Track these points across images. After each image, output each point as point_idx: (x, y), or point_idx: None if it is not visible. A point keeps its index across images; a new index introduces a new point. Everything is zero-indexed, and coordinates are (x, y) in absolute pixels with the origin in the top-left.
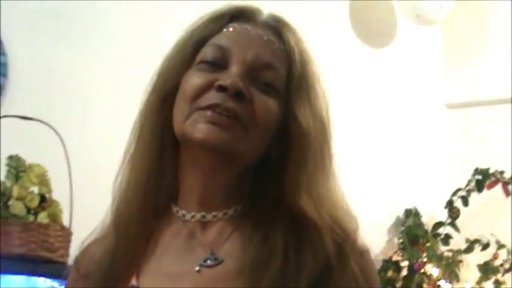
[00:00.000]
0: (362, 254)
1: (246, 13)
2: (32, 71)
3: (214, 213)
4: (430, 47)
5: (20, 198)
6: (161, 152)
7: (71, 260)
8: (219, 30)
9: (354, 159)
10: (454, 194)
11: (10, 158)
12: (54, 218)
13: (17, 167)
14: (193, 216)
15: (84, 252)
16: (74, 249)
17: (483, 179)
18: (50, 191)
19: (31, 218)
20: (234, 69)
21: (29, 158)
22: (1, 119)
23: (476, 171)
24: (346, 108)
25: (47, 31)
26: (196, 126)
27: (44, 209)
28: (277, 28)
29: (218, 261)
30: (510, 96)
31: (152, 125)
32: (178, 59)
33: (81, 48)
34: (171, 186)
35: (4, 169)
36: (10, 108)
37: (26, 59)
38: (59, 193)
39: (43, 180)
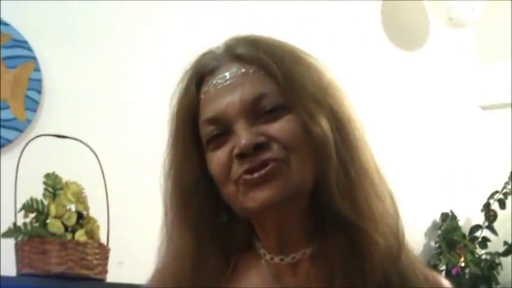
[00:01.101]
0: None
1: (204, 67)
2: (67, 88)
3: (293, 255)
4: (463, 49)
5: (57, 217)
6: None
7: (108, 277)
8: (196, 101)
9: (389, 163)
10: (491, 196)
11: (47, 176)
12: (92, 235)
13: (54, 185)
14: (272, 258)
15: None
16: (111, 265)
17: None
18: (87, 209)
19: (69, 236)
20: (237, 127)
21: (65, 176)
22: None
23: None
24: (380, 112)
25: (82, 47)
26: (247, 197)
27: (81, 226)
28: (238, 55)
29: None
30: None
31: (204, 208)
32: (185, 157)
33: (116, 64)
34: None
35: (41, 187)
36: (46, 124)
37: (60, 75)
38: (95, 210)
39: (80, 198)
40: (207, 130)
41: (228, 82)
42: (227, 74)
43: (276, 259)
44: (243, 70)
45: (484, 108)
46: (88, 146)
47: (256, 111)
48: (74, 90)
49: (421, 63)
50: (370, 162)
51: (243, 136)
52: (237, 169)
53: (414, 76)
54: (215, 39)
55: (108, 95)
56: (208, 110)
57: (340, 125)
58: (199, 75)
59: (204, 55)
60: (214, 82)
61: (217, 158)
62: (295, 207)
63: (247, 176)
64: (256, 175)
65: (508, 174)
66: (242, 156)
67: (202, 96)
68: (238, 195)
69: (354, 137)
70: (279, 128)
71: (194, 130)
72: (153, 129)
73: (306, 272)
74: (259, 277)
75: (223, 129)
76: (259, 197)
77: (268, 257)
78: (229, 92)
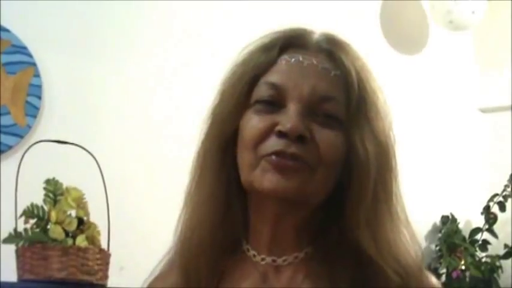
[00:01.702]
0: None
1: (296, 39)
2: (67, 94)
3: (284, 257)
4: (463, 52)
5: (58, 222)
6: (227, 196)
7: (109, 282)
8: (271, 62)
9: None
10: (491, 199)
11: (47, 182)
12: (93, 240)
13: (55, 191)
14: (263, 259)
15: None
16: (112, 270)
17: None
18: (87, 214)
19: (70, 241)
20: (292, 108)
21: (65, 182)
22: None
23: None
24: None
25: (82, 53)
26: (265, 176)
27: (82, 232)
28: (331, 51)
29: None
30: None
31: (216, 172)
32: (232, 101)
33: (116, 70)
34: (241, 225)
35: (42, 193)
36: (46, 130)
37: (60, 81)
38: (96, 215)
39: (80, 204)
40: (264, 90)
41: (310, 67)
42: (314, 60)
43: (268, 259)
44: (327, 67)
45: (483, 111)
46: (88, 152)
47: (316, 109)
48: (74, 96)
49: (420, 66)
50: (400, 204)
51: (294, 119)
52: (270, 145)
53: (414, 79)
54: (218, 45)
55: (109, 100)
56: (278, 76)
57: (385, 161)
58: (287, 43)
59: (299, 30)
60: (299, 58)
61: (256, 122)
62: (298, 212)
63: (277, 158)
64: (283, 161)
65: (508, 177)
66: (282, 134)
67: (279, 61)
68: (257, 169)
69: (391, 177)
70: (326, 137)
71: (250, 86)
72: (153, 135)
73: (292, 276)
74: (247, 279)
75: (278, 100)
76: (277, 181)
77: (258, 258)
78: (306, 75)
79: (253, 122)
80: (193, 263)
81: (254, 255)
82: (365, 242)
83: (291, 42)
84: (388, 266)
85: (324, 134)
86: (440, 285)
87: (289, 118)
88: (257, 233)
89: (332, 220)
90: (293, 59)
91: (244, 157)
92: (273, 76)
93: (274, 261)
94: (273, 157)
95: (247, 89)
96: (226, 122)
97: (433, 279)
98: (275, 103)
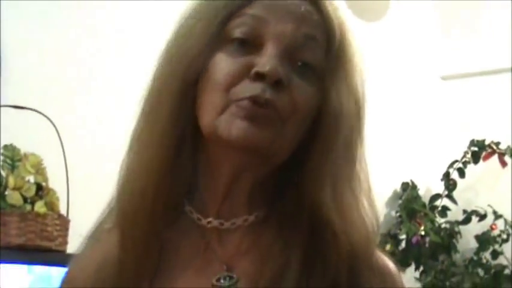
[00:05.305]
0: (383, 275)
1: None
2: (25, 59)
3: (233, 220)
4: (424, 19)
5: (16, 188)
6: (180, 144)
7: (69, 248)
8: (248, 1)
9: None
10: (451, 166)
11: (5, 147)
12: (52, 206)
13: (12, 157)
14: (209, 223)
15: (77, 270)
16: (72, 237)
17: (479, 151)
18: (46, 180)
19: (28, 207)
20: (270, 48)
21: (24, 148)
22: None
23: (472, 142)
24: None
25: (39, 17)
26: (233, 123)
27: (40, 198)
28: (317, 1)
29: (232, 282)
30: (505, 67)
31: (173, 113)
32: (203, 38)
33: (75, 34)
34: (186, 184)
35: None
36: (4, 95)
37: (18, 46)
38: (55, 182)
39: (39, 169)
40: (239, 25)
41: (293, 6)
42: (296, 1)
43: (215, 223)
44: (310, 9)
45: (444, 78)
46: (47, 117)
47: (295, 55)
48: (33, 61)
49: (381, 33)
50: (364, 171)
51: (274, 62)
52: (244, 89)
53: (375, 47)
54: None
55: (67, 65)
56: (257, 9)
57: (356, 122)
58: None
59: None
60: None
61: (230, 63)
62: (259, 169)
63: (250, 104)
64: (257, 110)
65: (467, 144)
66: (259, 77)
67: None
68: (225, 113)
69: (358, 141)
70: (302, 88)
71: (222, 24)
72: (113, 99)
73: (238, 243)
74: (187, 247)
75: (254, 40)
76: (247, 129)
77: (204, 221)
78: (288, 13)
79: (225, 64)
80: (131, 221)
81: (199, 219)
82: (324, 206)
83: None
84: (343, 233)
85: (301, 85)
86: (392, 266)
87: (268, 59)
88: (206, 192)
89: (289, 182)
90: None
91: (210, 100)
92: (253, 9)
93: (221, 224)
94: (246, 102)
95: (220, 26)
96: (193, 62)
97: (385, 259)
98: (250, 43)
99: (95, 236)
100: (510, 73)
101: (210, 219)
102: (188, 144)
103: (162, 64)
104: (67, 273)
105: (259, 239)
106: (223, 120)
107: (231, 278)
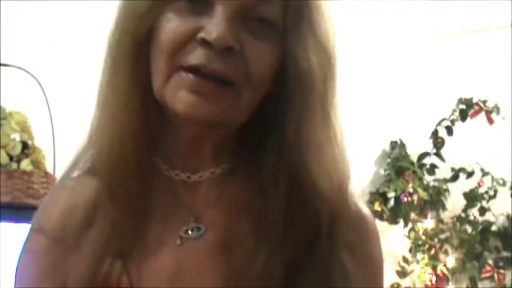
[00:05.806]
0: (358, 221)
1: None
2: (10, 16)
3: (200, 173)
4: None
5: (2, 147)
6: (144, 101)
7: None
8: None
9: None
10: (439, 124)
11: None
12: (38, 164)
13: None
14: (177, 174)
15: (44, 216)
16: None
17: (467, 109)
18: (31, 138)
19: (14, 165)
20: (220, 10)
21: (8, 106)
22: None
23: (460, 100)
24: None
25: None
26: (177, 95)
27: (26, 156)
28: None
29: (200, 233)
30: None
31: (131, 73)
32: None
33: None
34: (154, 137)
35: None
36: None
37: (2, 6)
38: (41, 140)
39: (24, 128)
40: None
41: None
42: None
43: (183, 176)
44: None
45: (433, 36)
46: (32, 75)
47: (250, 11)
48: (17, 18)
49: None
50: (338, 124)
51: (222, 26)
52: (190, 55)
53: (363, 4)
54: None
55: (52, 23)
56: None
57: (330, 74)
58: None
59: None
60: None
61: (176, 24)
62: (220, 132)
63: (195, 78)
64: (202, 82)
65: (455, 101)
66: (205, 43)
67: None
68: (171, 81)
69: (333, 93)
70: (258, 51)
71: None
72: (99, 57)
73: (206, 194)
74: (157, 197)
75: None
76: (193, 104)
77: (172, 173)
78: None
79: (172, 24)
80: (119, 178)
81: (166, 170)
82: (299, 160)
83: None
84: (321, 178)
85: (256, 46)
86: (366, 211)
87: (216, 23)
88: (171, 149)
89: (262, 136)
90: None
91: (158, 64)
92: None
93: (188, 177)
94: (190, 76)
95: None
96: (142, 20)
97: (359, 204)
98: (200, 0)
99: (61, 184)
100: (499, 31)
101: (177, 171)
102: (151, 98)
103: (116, 20)
104: (34, 219)
105: (228, 190)
106: (169, 90)
107: (198, 229)
